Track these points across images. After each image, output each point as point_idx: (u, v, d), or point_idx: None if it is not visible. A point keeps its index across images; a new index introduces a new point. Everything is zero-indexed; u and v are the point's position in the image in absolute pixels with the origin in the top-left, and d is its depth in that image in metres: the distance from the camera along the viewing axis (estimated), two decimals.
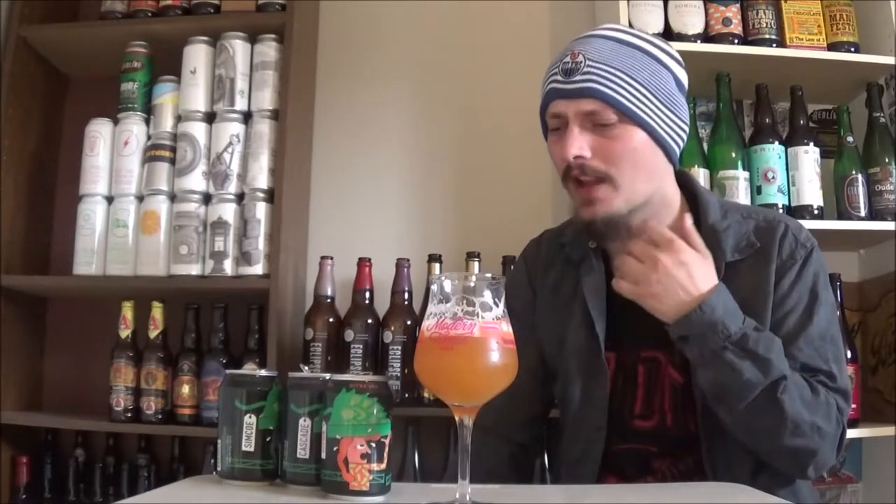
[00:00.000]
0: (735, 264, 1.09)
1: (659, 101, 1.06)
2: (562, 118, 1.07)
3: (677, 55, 1.11)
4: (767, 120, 1.73)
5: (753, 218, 1.13)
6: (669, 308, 1.01)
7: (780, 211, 1.66)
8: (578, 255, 1.18)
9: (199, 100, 1.74)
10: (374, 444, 0.80)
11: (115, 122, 1.79)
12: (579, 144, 1.05)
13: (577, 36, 1.11)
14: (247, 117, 1.75)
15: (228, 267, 1.68)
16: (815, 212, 1.67)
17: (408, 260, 1.73)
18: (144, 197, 1.75)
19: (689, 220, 1.05)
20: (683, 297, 1.00)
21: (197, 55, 1.76)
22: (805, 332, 1.06)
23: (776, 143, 1.70)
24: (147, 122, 1.79)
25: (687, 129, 1.12)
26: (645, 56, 1.07)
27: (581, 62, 1.04)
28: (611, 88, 1.03)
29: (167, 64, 1.78)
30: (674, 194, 1.15)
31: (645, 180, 1.08)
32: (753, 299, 1.07)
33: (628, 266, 1.03)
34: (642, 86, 1.05)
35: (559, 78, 1.06)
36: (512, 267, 1.67)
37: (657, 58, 1.08)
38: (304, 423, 0.84)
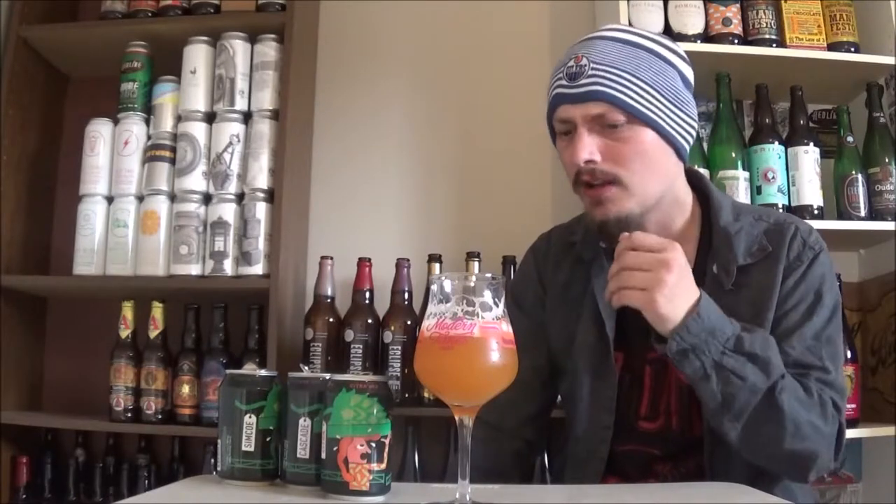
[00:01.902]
0: (745, 267, 1.09)
1: (666, 99, 1.06)
2: (570, 123, 1.06)
3: (682, 52, 1.11)
4: (767, 120, 1.73)
5: (765, 220, 1.13)
6: (677, 310, 0.96)
7: (780, 211, 1.66)
8: (589, 255, 1.18)
9: (199, 100, 1.74)
10: (374, 444, 0.80)
11: (115, 122, 1.79)
12: (589, 149, 1.04)
13: (580, 38, 1.10)
14: (247, 117, 1.75)
15: (228, 267, 1.68)
16: (815, 212, 1.68)
17: (408, 260, 1.73)
18: (144, 197, 1.75)
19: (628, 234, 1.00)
20: (687, 300, 0.96)
21: (197, 55, 1.76)
22: (800, 330, 1.06)
23: (776, 143, 1.70)
24: (147, 122, 1.78)
25: (696, 125, 1.12)
26: (649, 55, 1.07)
27: (585, 65, 1.04)
28: (616, 90, 1.03)
29: (167, 64, 1.78)
30: (685, 194, 1.15)
31: (657, 180, 1.08)
32: (761, 299, 1.07)
33: (632, 277, 0.97)
34: (648, 85, 1.05)
35: (564, 83, 1.05)
36: (515, 264, 1.68)
37: (662, 56, 1.08)
38: (304, 423, 0.84)
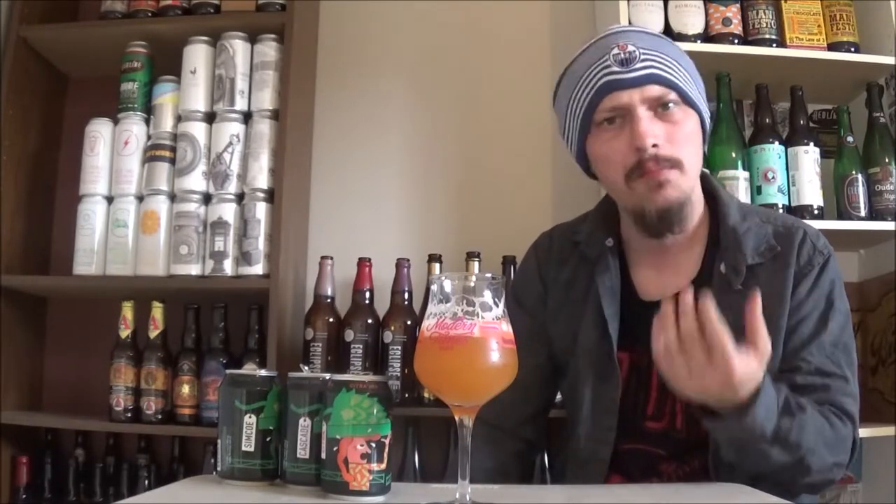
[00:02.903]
0: (753, 268, 1.09)
1: (698, 88, 1.10)
2: (621, 110, 1.05)
3: None
4: (767, 120, 1.73)
5: (771, 223, 1.14)
6: (707, 400, 0.94)
7: (781, 211, 1.66)
8: (594, 254, 1.18)
9: (199, 100, 1.74)
10: (374, 444, 0.80)
11: (115, 122, 1.79)
12: (654, 132, 1.04)
13: (607, 32, 1.10)
14: (247, 117, 1.75)
15: (228, 267, 1.67)
16: (815, 212, 1.67)
17: (408, 260, 1.73)
18: (144, 197, 1.75)
19: (758, 307, 0.91)
20: (722, 400, 0.92)
21: (197, 55, 1.76)
22: (818, 338, 1.06)
23: (776, 143, 1.70)
24: (147, 122, 1.78)
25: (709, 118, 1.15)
26: (676, 47, 1.11)
27: (635, 51, 1.05)
28: (671, 74, 1.05)
29: (167, 64, 1.78)
30: (699, 192, 1.15)
31: (699, 165, 1.11)
32: (770, 304, 1.06)
33: (676, 367, 0.92)
34: (687, 72, 1.08)
35: (616, 69, 1.04)
36: (515, 264, 1.68)
37: (681, 49, 1.12)
38: (304, 423, 0.84)
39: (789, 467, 0.98)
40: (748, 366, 0.90)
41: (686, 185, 1.07)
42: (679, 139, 1.05)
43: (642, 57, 1.04)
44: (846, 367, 1.06)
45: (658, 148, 1.04)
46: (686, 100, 1.07)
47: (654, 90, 1.04)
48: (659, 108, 1.05)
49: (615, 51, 1.05)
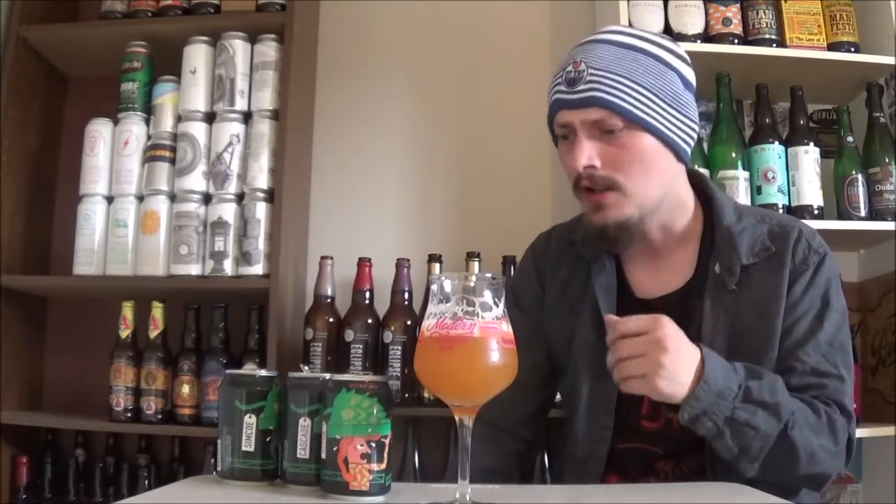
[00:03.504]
0: (748, 268, 1.09)
1: (665, 102, 1.05)
2: (569, 128, 1.06)
3: (683, 53, 1.11)
4: (767, 120, 1.73)
5: (767, 222, 1.14)
6: (682, 385, 0.95)
7: (781, 211, 1.66)
8: (590, 254, 1.18)
9: (199, 100, 1.74)
10: (374, 444, 0.80)
11: (115, 122, 1.79)
12: (588, 154, 1.04)
13: (580, 41, 1.10)
14: (247, 117, 1.75)
15: (228, 267, 1.67)
16: (815, 212, 1.68)
17: (408, 260, 1.73)
18: (144, 197, 1.75)
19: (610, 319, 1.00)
20: (689, 369, 0.95)
21: (197, 55, 1.76)
22: (814, 338, 1.06)
23: (776, 143, 1.70)
24: (147, 122, 1.78)
25: (696, 127, 1.11)
26: (648, 58, 1.06)
27: (583, 71, 1.04)
28: (615, 95, 1.03)
29: (167, 64, 1.78)
30: (687, 196, 1.15)
31: (656, 184, 1.08)
32: (766, 303, 1.08)
33: (630, 366, 0.96)
34: (647, 89, 1.04)
35: (563, 88, 1.05)
36: (515, 264, 1.68)
37: (661, 58, 1.07)
38: (304, 423, 0.84)
39: (780, 449, 0.98)
40: (664, 325, 0.96)
41: (628, 207, 1.06)
42: (620, 162, 1.04)
43: (588, 78, 1.03)
44: (842, 366, 1.06)
45: (594, 169, 1.05)
46: (637, 122, 1.04)
47: (594, 113, 1.03)
48: (604, 130, 1.04)
49: (568, 68, 1.06)
